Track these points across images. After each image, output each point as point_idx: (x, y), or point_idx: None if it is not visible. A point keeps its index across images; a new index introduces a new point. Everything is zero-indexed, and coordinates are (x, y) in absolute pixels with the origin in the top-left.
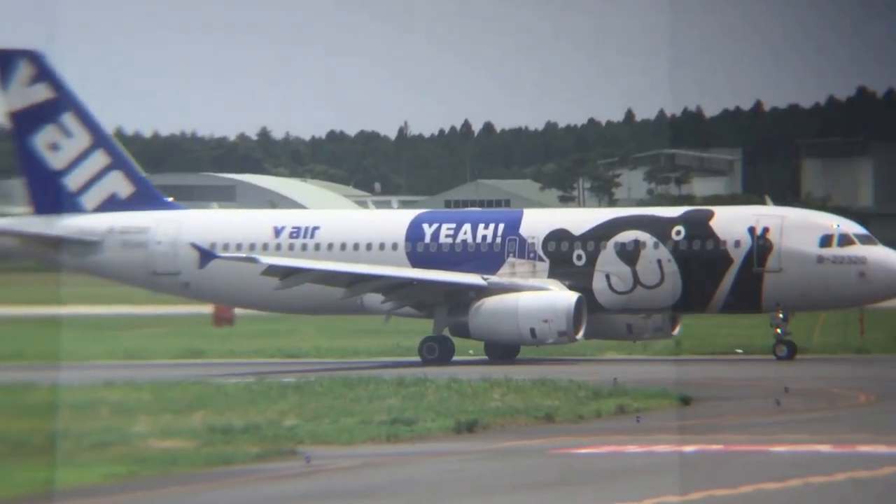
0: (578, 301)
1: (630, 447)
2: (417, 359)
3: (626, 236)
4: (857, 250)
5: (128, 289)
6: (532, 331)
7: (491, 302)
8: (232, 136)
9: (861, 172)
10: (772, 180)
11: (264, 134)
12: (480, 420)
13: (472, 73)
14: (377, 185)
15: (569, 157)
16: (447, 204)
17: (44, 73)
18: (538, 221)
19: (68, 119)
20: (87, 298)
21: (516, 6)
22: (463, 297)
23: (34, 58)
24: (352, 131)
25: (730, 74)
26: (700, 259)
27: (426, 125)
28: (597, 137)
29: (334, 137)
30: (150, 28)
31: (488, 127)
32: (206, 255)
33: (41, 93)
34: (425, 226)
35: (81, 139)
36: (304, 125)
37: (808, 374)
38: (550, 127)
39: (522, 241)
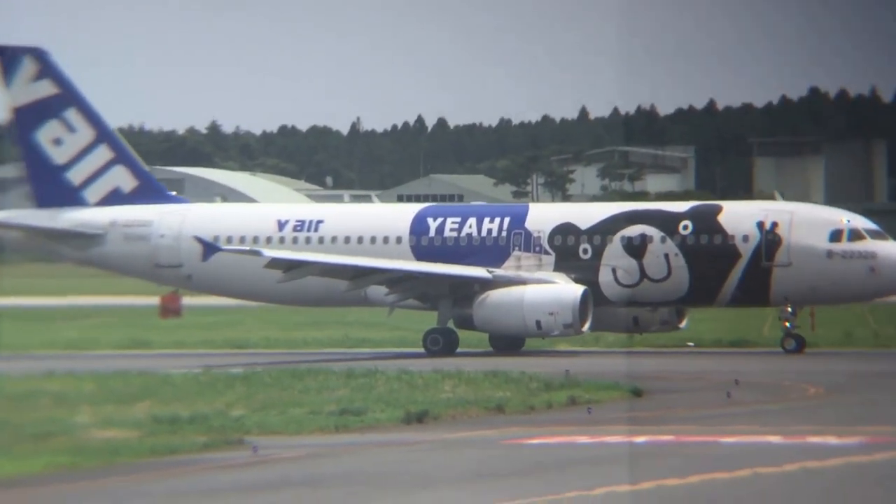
0: (584, 294)
1: (581, 438)
2: (421, 350)
3: (633, 230)
4: (868, 245)
5: (130, 281)
6: (538, 323)
7: (496, 294)
8: (181, 130)
9: (813, 171)
10: (725, 178)
11: (214, 128)
12: (430, 411)
13: (426, 70)
14: (329, 180)
15: (523, 153)
16: (399, 198)
17: (47, 69)
18: (544, 215)
19: (71, 115)
20: (32, 290)
21: (470, 3)
22: (468, 290)
23: (38, 55)
24: (303, 126)
25: (683, 73)
26: (707, 253)
27: (379, 121)
28: (551, 135)
29: (286, 132)
30: (97, 19)
31: (442, 123)
32: (209, 247)
33: (45, 89)
34: (430, 219)
35: (85, 134)
36: (254, 120)
37: (759, 367)
38: (504, 124)
39: (528, 234)
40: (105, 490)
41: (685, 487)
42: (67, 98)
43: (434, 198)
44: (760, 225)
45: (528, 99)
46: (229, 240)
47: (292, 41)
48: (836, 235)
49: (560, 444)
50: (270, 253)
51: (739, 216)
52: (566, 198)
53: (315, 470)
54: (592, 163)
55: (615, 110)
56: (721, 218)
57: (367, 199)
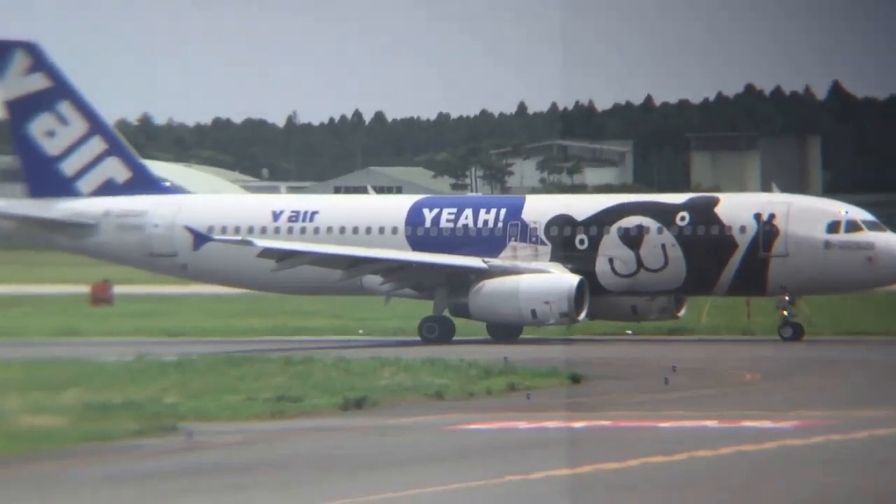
0: (580, 283)
1: (520, 423)
2: (418, 338)
3: (630, 221)
4: (865, 236)
5: (121, 269)
6: (533, 312)
7: (492, 283)
8: (111, 122)
9: (748, 166)
10: (662, 172)
11: (146, 120)
12: (369, 397)
13: (363, 63)
14: (265, 171)
15: (462, 147)
16: (337, 190)
17: (40, 63)
18: (541, 207)
19: (64, 107)
20: None
21: None
22: (463, 279)
23: (31, 48)
24: (238, 119)
25: (621, 69)
26: (704, 243)
27: (315, 114)
28: (489, 129)
29: (220, 124)
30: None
31: (380, 116)
32: (200, 237)
33: (37, 82)
34: (426, 210)
35: (78, 126)
36: (188, 112)
37: (698, 354)
38: (443, 118)
39: (524, 225)
40: (34, 476)
41: (623, 470)
42: (60, 91)
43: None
44: (758, 216)
45: (466, 93)
46: (224, 230)
47: (226, 32)
48: (833, 226)
49: (499, 430)
50: (262, 242)
51: (737, 208)
52: (505, 190)
53: (251, 456)
54: (531, 156)
55: (553, 105)
56: (718, 209)
57: (304, 190)
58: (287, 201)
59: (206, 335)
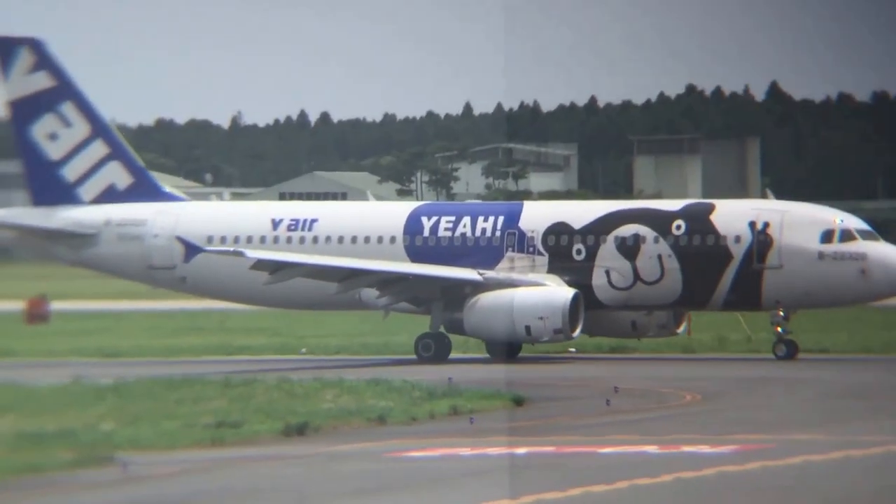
0: (575, 298)
1: (462, 450)
2: (413, 356)
3: (627, 230)
4: (859, 246)
5: (124, 283)
6: (527, 328)
7: (486, 298)
8: None
9: (690, 169)
10: (606, 175)
11: None
12: (311, 422)
13: (309, 63)
14: (208, 176)
15: (407, 150)
16: (282, 196)
17: (44, 60)
18: (538, 214)
19: (67, 108)
20: None
21: None
22: (459, 293)
23: (35, 45)
24: (182, 119)
25: (565, 70)
26: (700, 255)
27: (260, 115)
28: (435, 130)
29: (163, 125)
30: None
31: (325, 117)
32: (191, 248)
33: (41, 81)
34: (424, 219)
35: (80, 129)
36: (129, 112)
37: (639, 373)
38: (389, 119)
39: (522, 234)
40: None
41: (564, 501)
42: (63, 91)
43: (317, 196)
44: (752, 225)
45: (412, 94)
46: (223, 239)
47: (169, 30)
48: (827, 236)
49: (441, 457)
50: (254, 254)
51: (731, 215)
52: (451, 196)
53: (188, 487)
54: (477, 160)
55: (499, 106)
56: (713, 217)
57: (250, 196)
58: (287, 209)
59: (145, 355)
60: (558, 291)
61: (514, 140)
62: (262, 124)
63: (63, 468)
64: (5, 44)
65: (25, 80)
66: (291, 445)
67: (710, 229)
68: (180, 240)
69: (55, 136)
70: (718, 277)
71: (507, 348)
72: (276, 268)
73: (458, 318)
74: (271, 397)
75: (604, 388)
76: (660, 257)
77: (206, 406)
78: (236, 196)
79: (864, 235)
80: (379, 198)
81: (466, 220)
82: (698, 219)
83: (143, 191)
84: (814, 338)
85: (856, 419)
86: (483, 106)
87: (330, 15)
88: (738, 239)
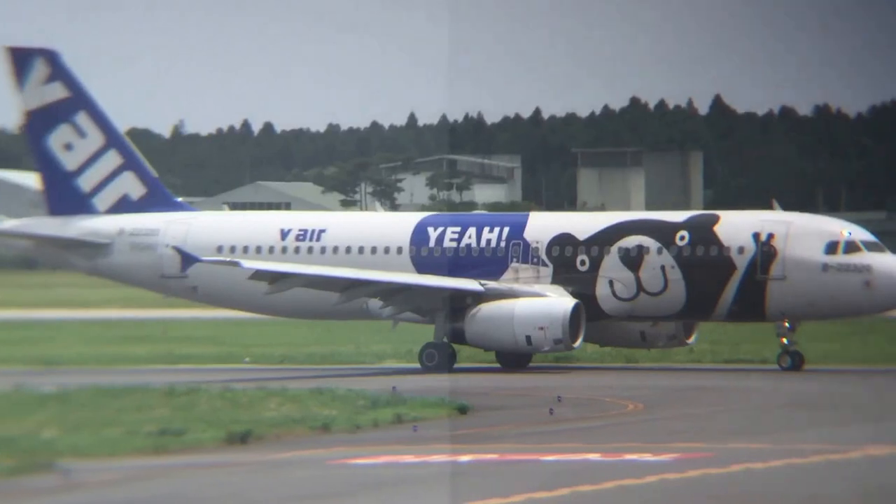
0: (575, 308)
1: (406, 457)
2: (418, 366)
3: (630, 241)
4: (863, 258)
5: (138, 292)
6: (528, 338)
7: (487, 308)
8: None
9: (633, 182)
10: (550, 187)
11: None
12: (254, 431)
13: (252, 72)
14: None
15: (351, 161)
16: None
17: (59, 71)
18: (543, 225)
19: (82, 118)
20: None
21: (296, 6)
22: (461, 303)
23: (50, 56)
24: (122, 128)
25: (510, 82)
26: (703, 266)
27: (203, 124)
28: (380, 141)
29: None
30: None
31: (268, 127)
32: (187, 258)
33: (56, 92)
34: (430, 229)
35: (94, 139)
36: None
37: (583, 383)
38: (332, 129)
39: (526, 245)
40: None
41: None
42: (78, 101)
43: (261, 206)
44: (756, 236)
45: (356, 104)
46: (232, 249)
47: (109, 36)
48: (831, 247)
49: (385, 465)
50: (250, 264)
51: (735, 227)
52: (395, 207)
53: (130, 495)
54: (421, 171)
55: (443, 117)
56: (717, 228)
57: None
58: (296, 219)
59: (87, 364)
60: (558, 302)
61: (459, 151)
62: (204, 133)
63: (3, 475)
64: (21, 55)
65: (41, 91)
66: (234, 453)
67: (714, 240)
68: (177, 249)
69: (70, 146)
70: (722, 288)
71: (517, 358)
72: (275, 278)
73: (459, 328)
74: (215, 406)
75: (548, 398)
76: (663, 268)
77: (148, 414)
78: None
79: (870, 247)
80: (321, 209)
81: (472, 230)
82: (702, 230)
83: (156, 201)
84: (822, 348)
85: (797, 428)
86: (427, 117)
87: (273, 25)
88: (741, 250)
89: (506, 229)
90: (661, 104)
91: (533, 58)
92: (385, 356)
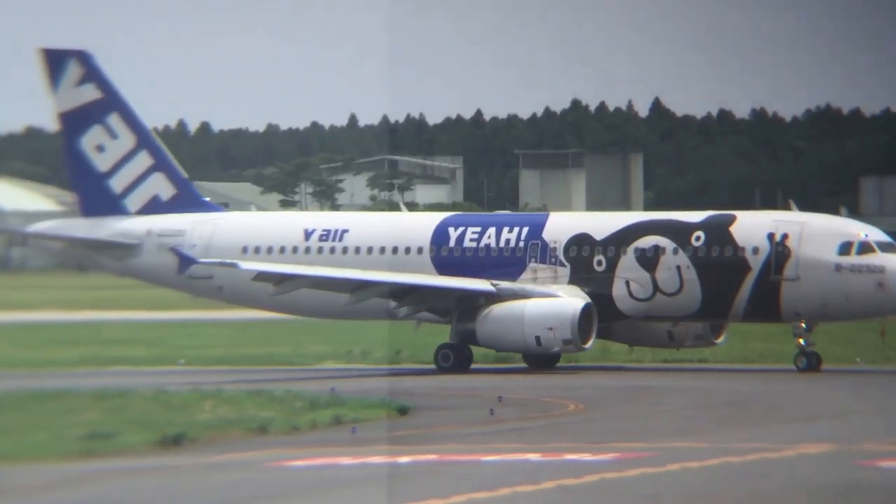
0: (585, 308)
1: (344, 459)
2: (433, 367)
3: (647, 241)
4: (877, 259)
5: (164, 292)
6: (537, 339)
7: (498, 309)
8: None
9: (574, 183)
10: (492, 189)
11: None
12: (188, 433)
13: (188, 70)
14: None
15: (291, 161)
16: None
17: (92, 73)
18: (561, 225)
19: (114, 120)
20: None
21: (234, 4)
22: (472, 304)
23: (83, 58)
24: (53, 128)
25: (451, 83)
26: (718, 266)
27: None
28: (320, 141)
29: (33, 133)
30: None
31: (205, 127)
32: (184, 260)
33: (89, 93)
34: (451, 229)
35: (126, 140)
36: None
37: (524, 383)
38: (272, 129)
39: (545, 245)
40: None
41: None
42: (110, 102)
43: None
44: (771, 237)
45: (296, 104)
46: (257, 249)
47: (40, 32)
48: (845, 248)
49: (323, 466)
50: (247, 265)
51: (751, 227)
52: (335, 208)
53: (59, 500)
54: (362, 172)
55: (385, 118)
56: (733, 229)
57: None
58: (319, 220)
59: (15, 367)
60: (568, 302)
61: (400, 152)
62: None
63: None
64: (55, 56)
65: (74, 92)
66: (167, 457)
67: (729, 241)
68: (173, 250)
69: (102, 147)
70: (737, 289)
71: (547, 359)
72: (281, 279)
73: (471, 328)
74: (147, 408)
75: (490, 398)
76: (678, 269)
77: (78, 418)
78: None
79: (884, 248)
80: (261, 209)
81: (491, 230)
82: (718, 230)
83: (185, 201)
84: (838, 349)
85: (732, 426)
86: (368, 118)
87: (211, 23)
88: (756, 250)
89: (525, 229)
90: (602, 106)
91: (474, 59)
92: (324, 357)
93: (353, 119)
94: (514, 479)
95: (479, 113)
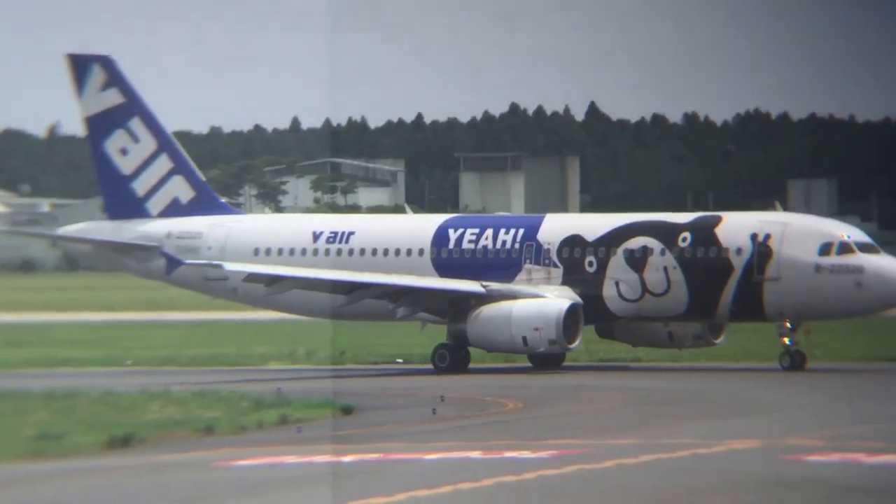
0: (570, 309)
1: (289, 458)
2: (430, 367)
3: (635, 243)
4: (856, 259)
5: (184, 293)
6: (524, 339)
7: (488, 310)
8: None
9: (513, 186)
10: (433, 191)
11: None
12: (136, 433)
13: (132, 72)
14: (25, 187)
15: (234, 164)
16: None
17: (115, 77)
18: (555, 227)
19: (136, 124)
20: None
21: (174, 6)
22: (464, 305)
23: (106, 63)
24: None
25: (392, 87)
26: (703, 267)
27: (79, 125)
28: (263, 144)
29: None
30: None
31: None
32: (172, 261)
33: (112, 98)
34: (451, 231)
35: (147, 144)
36: None
37: (465, 383)
38: (215, 132)
39: (539, 246)
40: None
41: None
42: (132, 106)
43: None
44: (754, 237)
45: (239, 108)
46: (268, 251)
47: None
48: (825, 248)
49: (268, 465)
50: (232, 266)
51: (735, 228)
52: (279, 210)
53: (7, 501)
54: (305, 174)
55: (327, 121)
56: (718, 230)
57: (68, 207)
58: (328, 222)
59: None
60: (554, 303)
61: (342, 155)
62: (81, 135)
63: None
64: (80, 62)
65: (99, 97)
66: (116, 457)
67: (714, 241)
68: (161, 252)
69: (126, 151)
70: (721, 289)
71: (549, 359)
72: (270, 280)
73: (462, 329)
74: (95, 409)
75: (432, 397)
76: (665, 269)
77: (26, 419)
78: (55, 207)
79: (864, 248)
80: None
81: (489, 232)
82: (703, 231)
83: (204, 204)
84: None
85: (665, 424)
86: (311, 121)
87: (154, 25)
88: (739, 251)
89: (521, 231)
90: (540, 111)
91: (415, 64)
92: (268, 358)
93: (295, 122)
94: (456, 476)
95: (420, 117)
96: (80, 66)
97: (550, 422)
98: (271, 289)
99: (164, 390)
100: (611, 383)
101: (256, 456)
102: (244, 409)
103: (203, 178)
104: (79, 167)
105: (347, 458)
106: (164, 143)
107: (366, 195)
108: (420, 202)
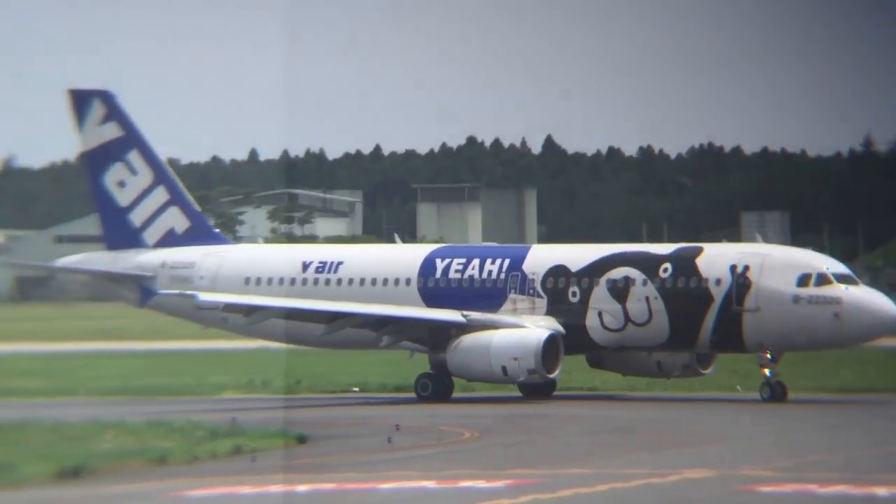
0: (549, 339)
1: (244, 488)
2: (412, 395)
3: (618, 273)
4: (833, 290)
5: (178, 322)
6: (503, 368)
7: (467, 339)
8: None
9: (471, 217)
10: (391, 221)
11: None
12: (87, 464)
13: None
14: None
15: (192, 194)
16: (60, 239)
17: (114, 111)
18: (541, 257)
19: (133, 156)
20: None
21: (133, 37)
22: (445, 334)
23: (105, 97)
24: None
25: (351, 118)
26: (683, 297)
27: (34, 157)
28: (221, 175)
29: None
30: None
31: None
32: (145, 292)
33: (111, 132)
34: (438, 261)
35: (145, 176)
36: None
37: (420, 412)
38: (173, 163)
39: (524, 277)
40: None
41: None
42: (130, 140)
43: (99, 238)
44: (733, 269)
45: (197, 139)
46: (258, 280)
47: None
48: (804, 280)
49: (223, 496)
50: (207, 297)
51: (715, 259)
52: (237, 240)
53: None
54: (263, 205)
55: (285, 152)
56: (699, 261)
57: (21, 239)
58: (317, 252)
59: None
60: (533, 333)
61: (300, 186)
62: (36, 167)
63: None
64: (81, 97)
65: (98, 131)
66: (66, 488)
67: (694, 272)
68: (137, 284)
69: (123, 183)
70: (701, 319)
71: (541, 387)
72: (248, 311)
73: (442, 358)
74: (46, 440)
75: (386, 426)
76: (647, 299)
77: None
78: (10, 239)
79: (842, 280)
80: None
81: (475, 262)
82: (684, 262)
83: (198, 234)
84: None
85: (621, 453)
86: (268, 152)
87: (110, 56)
88: (718, 282)
89: (507, 261)
90: (497, 143)
91: (373, 95)
92: (225, 387)
93: (253, 153)
94: None
95: (377, 148)
96: (81, 100)
97: (507, 451)
98: (250, 318)
99: (117, 420)
100: (573, 412)
101: (211, 486)
102: (198, 438)
103: (198, 209)
104: (34, 198)
105: (302, 488)
106: (160, 174)
107: (323, 225)
108: (378, 232)
